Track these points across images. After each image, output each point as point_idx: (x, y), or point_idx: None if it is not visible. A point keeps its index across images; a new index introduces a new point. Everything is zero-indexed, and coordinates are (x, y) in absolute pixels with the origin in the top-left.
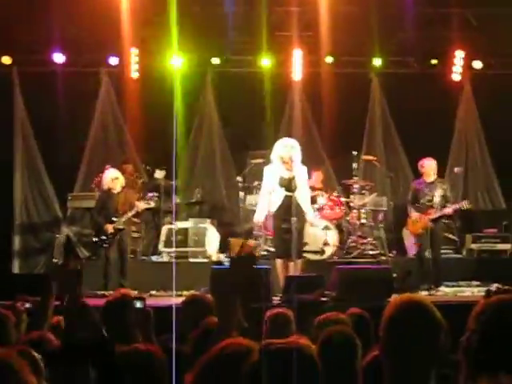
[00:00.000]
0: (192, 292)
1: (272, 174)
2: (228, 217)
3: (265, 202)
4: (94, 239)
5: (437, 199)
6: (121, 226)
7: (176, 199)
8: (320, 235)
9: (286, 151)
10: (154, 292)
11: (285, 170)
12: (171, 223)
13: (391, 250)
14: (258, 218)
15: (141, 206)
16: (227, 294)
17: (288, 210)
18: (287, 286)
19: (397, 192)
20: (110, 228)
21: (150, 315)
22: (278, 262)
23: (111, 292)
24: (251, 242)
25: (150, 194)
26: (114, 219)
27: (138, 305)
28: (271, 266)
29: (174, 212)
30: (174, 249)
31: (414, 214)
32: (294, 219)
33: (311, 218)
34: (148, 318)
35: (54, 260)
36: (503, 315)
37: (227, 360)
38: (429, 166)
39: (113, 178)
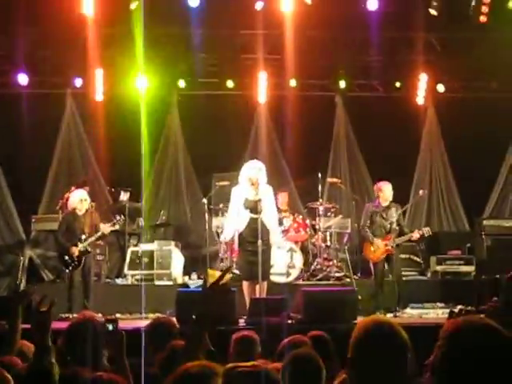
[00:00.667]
0: (158, 315)
1: (239, 195)
2: (193, 239)
3: (232, 221)
4: (62, 260)
5: (394, 224)
6: (87, 249)
7: (141, 221)
8: (285, 257)
9: (254, 173)
10: (119, 315)
11: (251, 191)
12: (136, 245)
13: (356, 271)
14: (226, 236)
15: (107, 228)
16: (196, 319)
17: (254, 233)
18: (253, 308)
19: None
20: (75, 251)
21: (122, 338)
22: (244, 284)
23: (76, 315)
24: (228, 276)
25: (118, 217)
26: (80, 241)
27: (110, 327)
28: (237, 288)
29: (141, 234)
30: (140, 271)
31: (376, 241)
32: (259, 242)
33: (278, 239)
34: (121, 341)
35: (17, 282)
36: (465, 336)
37: (192, 382)
38: (386, 189)
39: (82, 199)
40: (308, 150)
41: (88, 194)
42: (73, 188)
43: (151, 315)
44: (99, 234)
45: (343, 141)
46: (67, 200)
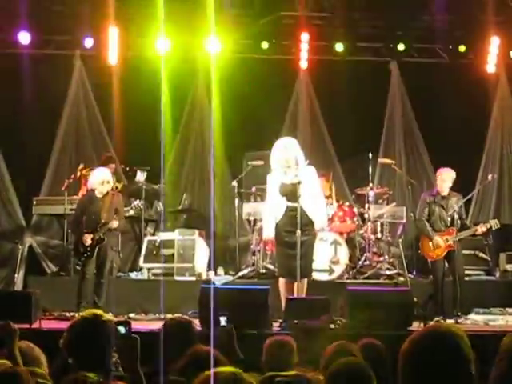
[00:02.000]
0: (178, 315)
1: (274, 182)
2: (220, 228)
3: (271, 214)
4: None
5: (456, 216)
6: (101, 237)
7: (160, 206)
8: (328, 251)
9: (280, 154)
10: (132, 315)
11: (287, 175)
12: (154, 234)
13: (411, 269)
14: (268, 233)
15: (116, 223)
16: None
17: (292, 221)
18: (289, 309)
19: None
20: (87, 238)
21: (136, 343)
22: (281, 281)
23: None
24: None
25: (136, 202)
26: (95, 228)
27: (123, 330)
28: (271, 286)
29: (160, 221)
30: (158, 264)
31: (435, 236)
32: (298, 232)
33: (321, 227)
34: (134, 346)
35: (15, 275)
36: None
37: None
38: (447, 176)
39: (104, 181)
40: (357, 125)
41: (112, 173)
42: (81, 166)
43: (170, 316)
44: (106, 227)
45: (398, 115)
46: (78, 179)
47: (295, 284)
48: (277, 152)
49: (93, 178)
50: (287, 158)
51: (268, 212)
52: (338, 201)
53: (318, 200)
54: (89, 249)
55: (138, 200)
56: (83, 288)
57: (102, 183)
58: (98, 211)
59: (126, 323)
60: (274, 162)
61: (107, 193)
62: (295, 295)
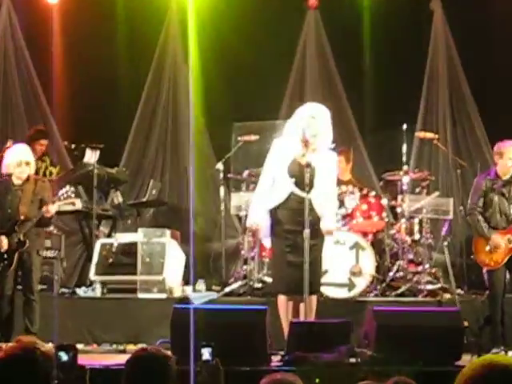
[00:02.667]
0: (142, 347)
1: (284, 150)
2: (201, 227)
3: (265, 193)
4: None
5: None
6: (22, 239)
7: (118, 197)
8: (347, 259)
9: (312, 124)
10: (81, 346)
11: (302, 151)
12: (109, 235)
13: (461, 283)
14: (255, 218)
15: (54, 207)
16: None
17: (296, 215)
18: (294, 338)
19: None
20: (3, 242)
21: (85, 375)
22: (281, 300)
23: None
24: None
25: (65, 190)
26: (13, 228)
27: (64, 357)
28: (269, 306)
29: (118, 218)
30: (114, 277)
31: (493, 235)
32: (306, 232)
33: (328, 222)
34: (83, 379)
35: None
36: None
37: None
38: (510, 152)
39: (22, 162)
40: (386, 87)
41: (42, 152)
42: (9, 142)
43: (132, 347)
44: (27, 225)
45: (443, 74)
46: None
47: (301, 304)
48: (307, 118)
49: (7, 159)
50: (315, 130)
51: (259, 193)
52: (361, 189)
53: (330, 197)
54: (5, 256)
55: (68, 187)
56: (2, 309)
57: (18, 165)
58: (15, 204)
59: (70, 348)
60: (294, 127)
61: (28, 178)
62: (302, 318)
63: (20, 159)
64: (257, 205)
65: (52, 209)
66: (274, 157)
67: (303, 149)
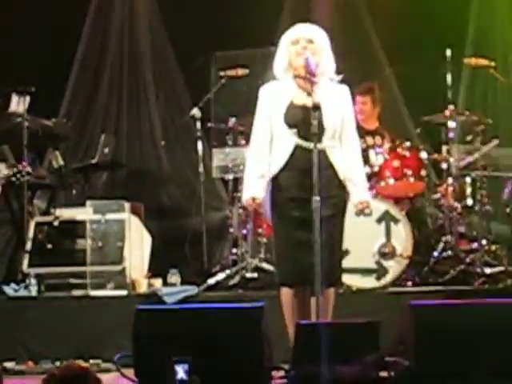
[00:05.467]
0: (95, 362)
1: (274, 99)
2: (173, 197)
3: (261, 159)
4: None
5: None
6: None
7: (58, 159)
8: (375, 234)
9: (304, 32)
10: (10, 365)
11: (299, 88)
12: (47, 212)
13: None
14: (253, 192)
15: None
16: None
17: (303, 179)
18: (303, 344)
19: None
20: None
21: None
22: (285, 294)
23: None
24: None
25: None
26: None
27: None
28: (267, 302)
29: (58, 187)
30: (55, 268)
31: None
32: (316, 199)
33: (362, 192)
34: None
35: None
36: None
37: None
38: None
39: None
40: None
41: None
42: None
43: (80, 362)
44: None
45: None
46: None
47: (312, 298)
48: (290, 34)
49: None
50: (317, 58)
51: (253, 156)
52: (392, 140)
53: (355, 149)
54: None
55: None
56: None
57: None
58: None
59: None
60: (283, 60)
61: None
62: (313, 318)
63: None
64: (253, 172)
65: None
66: (263, 108)
67: (302, 86)
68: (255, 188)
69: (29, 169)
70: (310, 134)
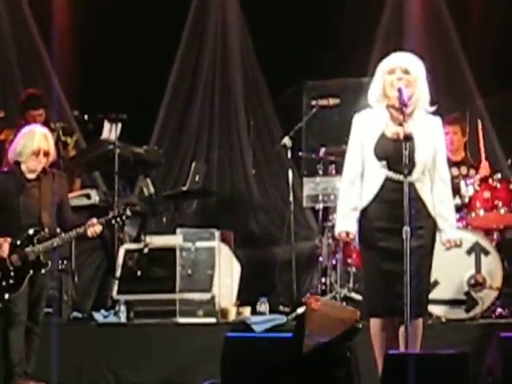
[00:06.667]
0: None
1: (367, 128)
2: (263, 225)
3: (353, 191)
4: None
5: None
6: (41, 257)
7: (149, 187)
8: (464, 266)
9: (407, 80)
10: None
11: (391, 119)
12: (137, 239)
13: None
14: (346, 226)
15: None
16: None
17: (393, 210)
18: (391, 375)
19: None
20: (15, 257)
21: None
22: (375, 325)
23: None
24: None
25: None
26: (29, 239)
27: None
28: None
29: (149, 213)
30: (145, 296)
31: None
32: (406, 230)
33: (452, 230)
34: None
35: None
36: None
37: None
38: None
39: (39, 151)
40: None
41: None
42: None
43: None
44: (52, 242)
45: None
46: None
47: (400, 328)
48: (389, 61)
49: (19, 143)
50: (411, 89)
51: (346, 188)
52: (481, 171)
53: (444, 179)
54: (12, 275)
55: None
56: (12, 342)
57: (35, 154)
58: (32, 208)
59: None
60: (378, 90)
61: (44, 172)
62: (401, 349)
63: (39, 147)
64: (346, 204)
65: (99, 229)
66: (356, 135)
67: (395, 116)
68: (348, 221)
69: (128, 212)
70: (401, 166)
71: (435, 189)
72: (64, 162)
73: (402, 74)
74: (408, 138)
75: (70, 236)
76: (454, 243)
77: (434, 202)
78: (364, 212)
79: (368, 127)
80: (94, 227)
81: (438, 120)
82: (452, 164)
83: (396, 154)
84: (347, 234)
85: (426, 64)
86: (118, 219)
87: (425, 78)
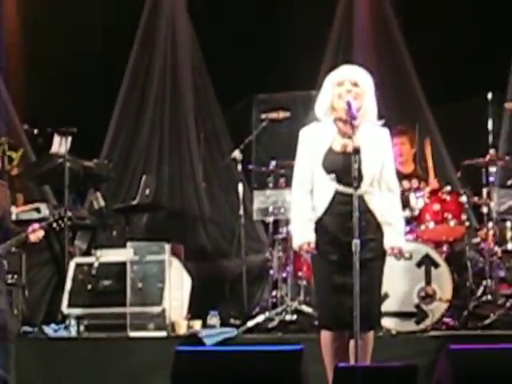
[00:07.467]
0: None
1: (314, 142)
2: (213, 238)
3: (305, 203)
4: None
5: None
6: None
7: (99, 200)
8: (414, 278)
9: (348, 75)
10: None
11: (339, 132)
12: (87, 252)
13: None
14: (304, 237)
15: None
16: None
17: (344, 223)
18: None
19: None
20: None
21: None
22: (325, 337)
23: None
24: None
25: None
26: None
27: None
28: (307, 346)
29: (99, 227)
30: (96, 309)
31: None
32: (356, 243)
33: (396, 238)
34: None
35: None
36: None
37: None
38: None
39: None
40: (465, 42)
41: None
42: None
43: None
44: (15, 239)
45: None
46: None
47: (351, 341)
48: (338, 73)
49: None
50: (359, 102)
51: (298, 201)
52: (429, 182)
53: (391, 187)
54: None
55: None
56: None
57: None
58: None
59: None
60: (325, 102)
61: None
62: (351, 361)
63: None
64: (301, 216)
65: (41, 234)
66: (303, 151)
67: (342, 129)
68: (307, 232)
69: (69, 213)
70: (349, 179)
71: (383, 199)
72: (8, 176)
73: (351, 86)
74: (357, 150)
75: (12, 243)
76: (397, 251)
77: (382, 212)
78: (316, 225)
79: (315, 142)
80: (36, 232)
81: (385, 132)
82: (402, 177)
83: (344, 167)
84: (308, 244)
85: (376, 77)
86: (60, 222)
87: (373, 91)
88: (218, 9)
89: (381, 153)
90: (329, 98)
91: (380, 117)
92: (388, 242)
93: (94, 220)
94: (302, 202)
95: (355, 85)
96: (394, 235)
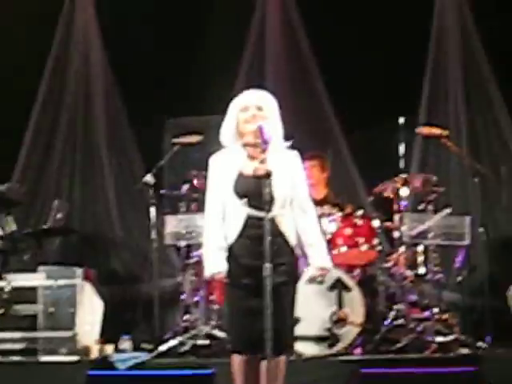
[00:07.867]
0: None
1: (223, 169)
2: (125, 263)
3: (217, 232)
4: None
5: None
6: None
7: (11, 224)
8: (327, 303)
9: (248, 100)
10: None
11: (248, 156)
12: (1, 277)
13: (483, 333)
14: (215, 267)
15: None
16: None
17: (255, 247)
18: None
19: (497, 208)
20: None
21: None
22: (237, 361)
23: None
24: None
25: None
26: None
27: None
28: (218, 370)
29: (14, 251)
30: (10, 333)
31: None
32: (267, 267)
33: (322, 258)
34: None
35: None
36: None
37: None
38: None
39: None
40: (374, 68)
41: None
42: None
43: None
44: None
45: (454, 47)
46: None
47: (263, 364)
48: (239, 102)
49: None
50: (257, 104)
51: (211, 227)
52: (342, 208)
53: (304, 208)
54: None
55: None
56: None
57: None
58: None
59: None
60: (231, 128)
61: None
62: None
63: None
64: (212, 245)
65: None
66: (214, 179)
67: (251, 153)
68: (217, 262)
69: None
70: (261, 202)
71: (296, 220)
72: None
73: (255, 110)
74: (268, 174)
75: None
76: (326, 271)
77: (298, 234)
78: (229, 250)
79: (225, 167)
80: None
81: (295, 154)
82: (314, 203)
83: (256, 191)
84: (219, 273)
85: (288, 103)
86: None
87: (277, 114)
88: (131, 34)
89: (291, 174)
90: (234, 123)
91: (287, 138)
92: (315, 264)
93: (6, 244)
94: (215, 230)
95: (259, 109)
96: (320, 256)
